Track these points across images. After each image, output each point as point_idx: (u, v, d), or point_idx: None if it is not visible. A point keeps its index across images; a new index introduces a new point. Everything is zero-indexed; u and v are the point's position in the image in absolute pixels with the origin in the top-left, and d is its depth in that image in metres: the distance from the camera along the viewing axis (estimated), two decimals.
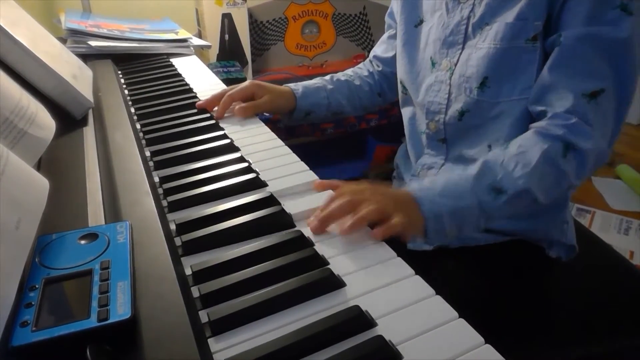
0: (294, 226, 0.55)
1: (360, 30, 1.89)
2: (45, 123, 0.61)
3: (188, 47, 1.28)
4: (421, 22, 0.85)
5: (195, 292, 0.45)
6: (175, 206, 0.58)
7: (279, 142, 0.77)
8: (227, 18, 1.61)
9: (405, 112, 0.92)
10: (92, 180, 0.58)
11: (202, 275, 0.46)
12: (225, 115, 0.87)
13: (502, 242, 0.80)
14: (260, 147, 0.75)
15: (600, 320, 0.73)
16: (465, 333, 0.40)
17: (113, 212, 0.52)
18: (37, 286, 0.39)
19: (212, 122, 0.82)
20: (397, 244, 0.52)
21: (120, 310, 0.37)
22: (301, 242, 0.51)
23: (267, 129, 0.82)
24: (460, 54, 0.76)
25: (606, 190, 1.96)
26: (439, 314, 0.42)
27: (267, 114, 1.43)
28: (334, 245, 0.52)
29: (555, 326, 0.72)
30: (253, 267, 0.46)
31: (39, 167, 0.59)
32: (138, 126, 0.81)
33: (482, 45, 0.73)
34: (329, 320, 0.40)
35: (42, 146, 0.59)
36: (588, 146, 0.63)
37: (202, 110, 0.87)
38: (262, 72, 1.78)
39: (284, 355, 0.38)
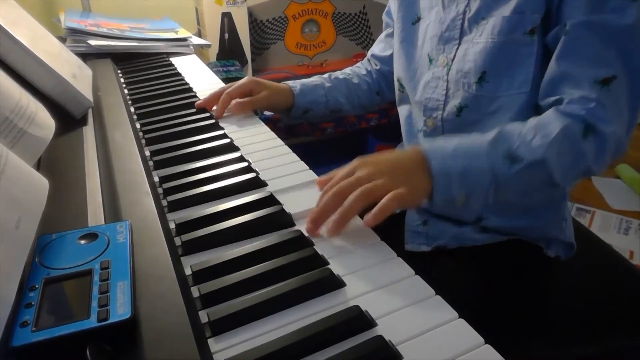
0: (294, 226, 0.55)
1: (360, 29, 1.89)
2: (45, 122, 0.61)
3: (188, 46, 1.28)
4: (418, 19, 0.85)
5: (195, 292, 0.45)
6: (175, 206, 0.58)
7: (279, 141, 0.76)
8: (226, 17, 1.61)
9: (402, 111, 0.92)
10: (92, 180, 0.58)
11: (202, 275, 0.46)
12: (225, 114, 0.87)
13: (500, 242, 0.80)
14: (260, 146, 0.75)
15: (600, 320, 0.73)
16: (465, 333, 0.40)
17: (113, 211, 0.52)
18: (37, 286, 0.39)
19: (212, 121, 0.82)
20: (394, 245, 0.51)
21: (120, 310, 0.37)
22: (301, 241, 0.51)
23: (266, 128, 0.82)
24: (457, 49, 0.76)
25: (606, 189, 1.96)
26: (439, 314, 0.42)
27: (267, 113, 1.43)
28: (334, 245, 0.52)
29: (554, 326, 0.72)
30: (253, 267, 0.46)
31: (38, 166, 0.59)
32: (138, 125, 0.81)
33: (479, 40, 0.72)
34: (329, 320, 0.40)
35: (42, 146, 0.59)
36: (608, 130, 0.61)
37: (202, 110, 0.87)
38: (262, 71, 1.78)
39: (284, 355, 0.38)
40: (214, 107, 0.88)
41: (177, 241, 0.52)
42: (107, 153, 0.65)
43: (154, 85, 1.00)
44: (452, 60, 0.77)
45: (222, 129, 0.79)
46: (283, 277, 0.45)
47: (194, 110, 0.87)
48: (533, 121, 0.63)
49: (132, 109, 0.89)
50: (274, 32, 1.79)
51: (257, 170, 0.65)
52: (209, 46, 1.51)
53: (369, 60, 1.05)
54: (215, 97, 0.88)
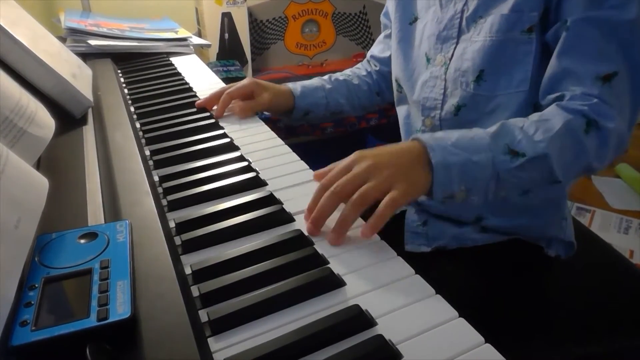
0: (294, 225, 0.55)
1: (360, 29, 1.89)
2: (45, 122, 0.61)
3: (188, 46, 1.28)
4: (415, 19, 0.85)
5: (195, 291, 0.45)
6: (175, 205, 0.58)
7: (279, 141, 0.76)
8: (226, 17, 1.61)
9: (400, 111, 0.92)
10: (92, 180, 0.58)
11: (201, 275, 0.46)
12: (225, 113, 0.87)
13: (501, 242, 0.80)
14: (260, 146, 0.75)
15: (600, 319, 0.73)
16: (465, 332, 0.40)
17: (113, 211, 0.52)
18: (36, 285, 0.39)
19: (212, 121, 0.82)
20: (394, 246, 0.51)
21: (120, 309, 0.37)
22: (301, 241, 0.51)
23: (266, 128, 0.82)
24: (455, 48, 0.76)
25: (606, 189, 1.96)
26: (439, 313, 0.42)
27: (266, 113, 1.42)
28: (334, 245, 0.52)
29: (554, 325, 0.72)
30: (253, 266, 0.46)
31: (38, 166, 0.59)
32: (138, 125, 0.81)
33: (477, 39, 0.72)
34: (329, 319, 0.40)
35: (42, 145, 0.59)
36: (610, 125, 0.61)
37: (202, 109, 0.87)
38: (262, 71, 1.78)
39: (283, 354, 0.38)
40: (215, 107, 0.88)
41: (177, 240, 0.52)
42: (107, 153, 0.65)
43: (154, 85, 1.00)
44: (450, 59, 0.76)
45: (222, 128, 0.79)
46: (283, 277, 0.45)
47: (193, 109, 0.87)
48: (535, 116, 0.63)
49: (132, 109, 0.89)
50: (274, 32, 1.79)
51: (257, 169, 0.65)
52: (209, 46, 1.51)
53: (368, 61, 1.05)
54: (215, 97, 0.88)
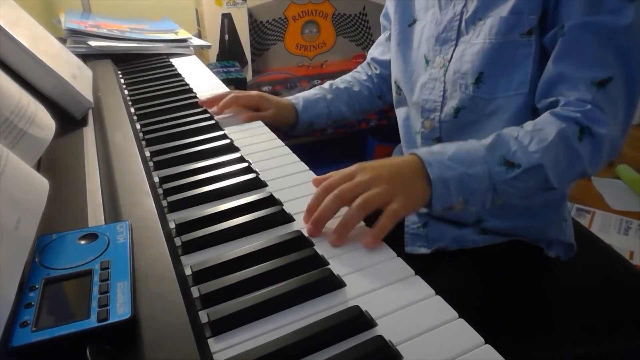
0: (294, 226, 0.55)
1: (360, 30, 1.89)
2: (45, 123, 0.61)
3: (188, 47, 1.28)
4: (414, 21, 0.85)
5: (195, 292, 0.45)
6: (175, 206, 0.58)
7: (279, 142, 0.77)
8: (226, 18, 1.61)
9: (400, 113, 0.92)
10: (92, 180, 0.58)
11: (202, 276, 0.46)
12: (226, 115, 0.87)
13: (501, 243, 0.80)
14: (260, 147, 0.75)
15: (600, 320, 0.73)
16: (465, 333, 0.40)
17: (113, 212, 0.52)
18: (37, 286, 0.39)
19: (212, 122, 0.82)
20: (394, 247, 0.51)
21: (120, 310, 0.37)
22: (301, 242, 0.51)
23: (267, 129, 0.82)
24: (454, 50, 0.76)
25: (606, 190, 1.96)
26: (439, 314, 0.42)
27: None
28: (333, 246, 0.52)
29: (554, 326, 0.72)
30: (253, 267, 0.46)
31: (38, 167, 0.59)
32: (138, 126, 0.81)
33: (477, 41, 0.72)
34: (329, 320, 0.40)
35: (42, 146, 0.59)
36: (603, 132, 0.62)
37: (202, 110, 0.87)
38: (262, 72, 1.78)
39: (284, 355, 0.38)
40: (214, 109, 0.88)
41: (177, 241, 0.52)
42: (107, 153, 0.65)
43: (154, 86, 1.00)
44: (449, 61, 0.77)
45: (222, 129, 0.79)
46: (283, 277, 0.45)
47: (194, 111, 0.87)
48: (529, 125, 0.63)
49: (132, 110, 0.89)
50: (274, 33, 1.80)
51: (257, 170, 0.65)
52: (209, 47, 1.51)
53: (369, 64, 1.05)
54: (220, 98, 0.88)
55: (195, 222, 0.54)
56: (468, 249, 0.80)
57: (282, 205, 0.57)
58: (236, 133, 0.79)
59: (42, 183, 0.48)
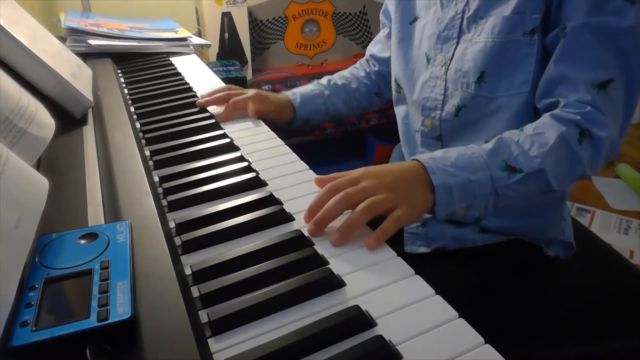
0: (294, 225, 0.55)
1: (360, 29, 1.89)
2: (45, 122, 0.61)
3: (188, 46, 1.28)
4: (415, 19, 0.85)
5: (195, 291, 0.45)
6: (175, 205, 0.58)
7: (279, 141, 0.77)
8: (226, 17, 1.61)
9: (399, 111, 0.92)
10: (92, 180, 0.58)
11: (202, 275, 0.46)
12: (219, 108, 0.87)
13: (500, 242, 0.80)
14: (260, 146, 0.75)
15: (600, 319, 0.73)
16: (465, 333, 0.40)
17: (113, 211, 0.52)
18: (36, 286, 0.39)
19: (212, 121, 0.82)
20: (394, 247, 0.51)
21: (120, 310, 0.37)
22: (301, 241, 0.51)
23: (266, 128, 0.82)
24: (455, 48, 0.76)
25: (606, 189, 1.96)
26: (439, 313, 0.42)
27: None
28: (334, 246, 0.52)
29: (554, 325, 0.72)
30: (253, 267, 0.46)
31: (38, 166, 0.59)
32: (138, 125, 0.81)
33: (479, 39, 0.72)
34: (329, 320, 0.40)
35: (42, 145, 0.59)
36: (603, 134, 0.62)
37: (202, 110, 0.87)
38: (262, 71, 1.78)
39: (284, 355, 0.38)
40: (213, 108, 0.88)
41: (177, 241, 0.52)
42: (107, 153, 0.65)
43: (154, 85, 1.00)
44: (450, 59, 0.77)
45: (222, 128, 0.79)
46: (283, 277, 0.45)
47: (194, 110, 0.87)
48: (530, 129, 0.64)
49: (132, 109, 0.89)
50: (274, 32, 1.79)
51: (257, 170, 0.65)
52: (209, 46, 1.51)
53: (367, 60, 1.05)
54: (219, 100, 0.88)
55: (195, 222, 0.54)
56: (467, 248, 0.80)
57: (282, 204, 0.57)
58: (236, 132, 0.79)
59: (42, 182, 0.48)
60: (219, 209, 0.56)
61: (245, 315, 0.41)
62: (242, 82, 1.47)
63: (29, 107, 0.59)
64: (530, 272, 0.80)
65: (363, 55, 1.08)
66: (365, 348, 0.38)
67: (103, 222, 0.51)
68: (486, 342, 0.39)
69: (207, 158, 0.69)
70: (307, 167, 0.68)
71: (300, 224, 0.55)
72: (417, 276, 0.47)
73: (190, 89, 0.98)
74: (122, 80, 1.05)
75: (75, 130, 0.72)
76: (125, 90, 0.98)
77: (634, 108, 0.67)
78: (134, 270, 0.42)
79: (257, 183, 0.63)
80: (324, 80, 1.00)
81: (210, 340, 0.40)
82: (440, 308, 0.43)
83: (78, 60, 0.90)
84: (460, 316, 0.42)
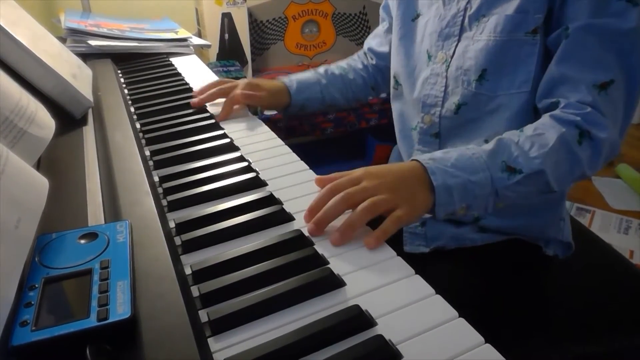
0: (294, 225, 0.55)
1: (360, 30, 1.89)
2: (45, 122, 0.61)
3: (188, 46, 1.28)
4: (418, 16, 0.85)
5: (195, 291, 0.45)
6: (175, 205, 0.58)
7: (279, 141, 0.77)
8: (226, 17, 1.61)
9: (395, 108, 0.92)
10: (92, 180, 0.58)
11: (201, 275, 0.46)
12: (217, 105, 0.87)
13: (499, 242, 0.80)
14: (260, 146, 0.75)
15: (600, 319, 0.73)
16: (465, 332, 0.40)
17: (113, 211, 0.52)
18: (36, 285, 0.39)
19: (212, 121, 0.82)
20: (393, 246, 0.51)
21: (120, 309, 0.37)
22: (301, 241, 0.51)
23: (266, 128, 0.82)
24: (457, 46, 0.76)
25: (606, 189, 1.96)
26: (439, 313, 0.42)
27: (267, 113, 1.42)
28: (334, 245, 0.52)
29: (554, 325, 0.72)
30: (253, 267, 0.46)
31: (38, 166, 0.59)
32: (138, 125, 0.81)
33: (481, 37, 0.72)
34: (329, 319, 0.40)
35: (42, 145, 0.59)
36: (603, 135, 0.63)
37: (202, 110, 0.87)
38: (262, 72, 1.79)
39: (283, 354, 0.38)
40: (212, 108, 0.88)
41: (177, 241, 0.52)
42: (107, 153, 0.65)
43: (154, 85, 1.00)
44: (452, 57, 0.77)
45: (222, 128, 0.79)
46: (283, 277, 0.45)
47: (194, 110, 0.87)
48: (530, 129, 0.64)
49: (132, 109, 0.89)
50: (274, 33, 1.80)
51: (257, 170, 0.65)
52: (209, 46, 1.51)
53: (365, 53, 1.05)
54: (212, 97, 0.88)
55: (195, 222, 0.54)
56: (467, 248, 0.80)
57: (282, 204, 0.57)
58: (236, 132, 0.79)
59: (42, 182, 0.48)
60: (219, 209, 0.56)
61: (245, 315, 0.41)
62: None
63: (29, 108, 0.59)
64: (530, 271, 0.80)
65: None
66: (365, 348, 0.38)
67: (103, 222, 0.51)
68: (486, 341, 0.39)
69: (207, 158, 0.69)
70: (307, 167, 0.68)
71: (300, 224, 0.55)
72: (417, 276, 0.47)
73: (190, 90, 0.98)
74: (122, 80, 1.05)
75: (75, 130, 0.72)
76: (126, 91, 0.99)
77: (634, 109, 0.67)
78: (134, 270, 0.42)
79: (257, 183, 0.63)
80: (321, 69, 1.00)
81: (210, 340, 0.40)
82: (440, 308, 0.43)
83: (78, 61, 0.90)
84: (460, 316, 0.42)
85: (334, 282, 0.45)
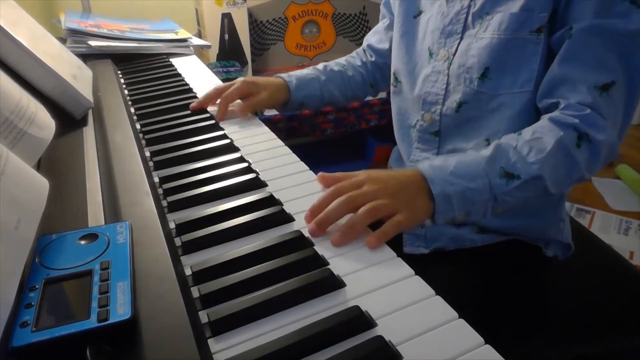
0: (294, 226, 0.55)
1: (360, 30, 1.89)
2: (45, 123, 0.61)
3: (188, 47, 1.28)
4: (420, 13, 0.85)
5: (195, 292, 0.45)
6: (175, 206, 0.58)
7: (279, 142, 0.77)
8: (226, 18, 1.61)
9: (395, 106, 0.92)
10: (92, 180, 0.58)
11: (202, 276, 0.46)
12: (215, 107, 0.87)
13: (499, 243, 0.80)
14: (260, 147, 0.75)
15: (599, 319, 0.73)
16: (465, 333, 0.40)
17: (113, 212, 0.52)
18: (37, 286, 0.39)
19: (212, 122, 0.82)
20: (393, 248, 0.52)
21: (120, 310, 0.37)
22: (301, 242, 0.51)
23: (266, 129, 0.82)
24: (459, 43, 0.76)
25: (606, 190, 1.96)
26: (439, 314, 0.42)
27: (267, 114, 1.43)
28: (334, 246, 0.52)
29: (553, 325, 0.72)
30: (253, 268, 0.46)
31: (38, 167, 0.59)
32: (138, 126, 0.81)
33: (484, 35, 0.72)
34: (329, 320, 0.40)
35: (42, 146, 0.59)
36: (601, 137, 0.63)
37: (202, 110, 0.87)
38: (262, 72, 1.79)
39: (284, 355, 0.38)
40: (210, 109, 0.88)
41: (177, 241, 0.52)
42: (107, 153, 0.65)
43: (154, 85, 1.00)
44: (454, 54, 0.76)
45: (222, 129, 0.79)
46: (283, 278, 0.45)
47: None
48: (528, 133, 0.64)
49: (132, 110, 0.89)
50: (274, 33, 1.80)
51: (257, 170, 0.65)
52: (209, 47, 1.51)
53: (364, 50, 1.05)
54: (210, 98, 0.88)
55: (195, 222, 0.54)
56: (466, 249, 0.80)
57: (282, 205, 0.57)
58: (236, 133, 0.79)
59: (42, 183, 0.48)
60: (219, 210, 0.56)
61: (246, 316, 0.41)
62: None
63: (29, 108, 0.59)
64: (530, 272, 0.80)
65: None
66: (365, 348, 0.38)
67: (103, 222, 0.51)
68: (485, 342, 0.39)
69: (207, 159, 0.69)
70: (307, 168, 0.68)
71: (300, 225, 0.55)
72: (417, 277, 0.47)
73: (190, 90, 0.98)
74: (122, 81, 1.05)
75: (76, 131, 0.72)
76: (126, 91, 0.99)
77: (634, 110, 0.67)
78: (134, 271, 0.42)
79: (257, 184, 0.63)
80: (320, 65, 1.00)
81: (210, 341, 0.40)
82: (440, 308, 0.43)
83: (78, 61, 0.90)
84: (459, 316, 0.42)
85: (334, 283, 0.45)
